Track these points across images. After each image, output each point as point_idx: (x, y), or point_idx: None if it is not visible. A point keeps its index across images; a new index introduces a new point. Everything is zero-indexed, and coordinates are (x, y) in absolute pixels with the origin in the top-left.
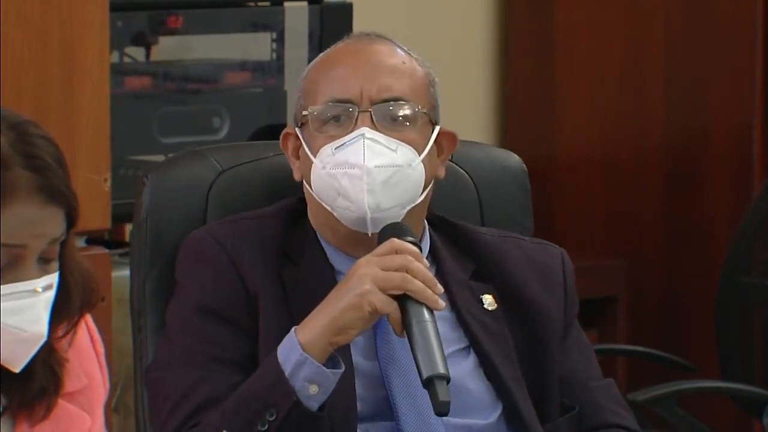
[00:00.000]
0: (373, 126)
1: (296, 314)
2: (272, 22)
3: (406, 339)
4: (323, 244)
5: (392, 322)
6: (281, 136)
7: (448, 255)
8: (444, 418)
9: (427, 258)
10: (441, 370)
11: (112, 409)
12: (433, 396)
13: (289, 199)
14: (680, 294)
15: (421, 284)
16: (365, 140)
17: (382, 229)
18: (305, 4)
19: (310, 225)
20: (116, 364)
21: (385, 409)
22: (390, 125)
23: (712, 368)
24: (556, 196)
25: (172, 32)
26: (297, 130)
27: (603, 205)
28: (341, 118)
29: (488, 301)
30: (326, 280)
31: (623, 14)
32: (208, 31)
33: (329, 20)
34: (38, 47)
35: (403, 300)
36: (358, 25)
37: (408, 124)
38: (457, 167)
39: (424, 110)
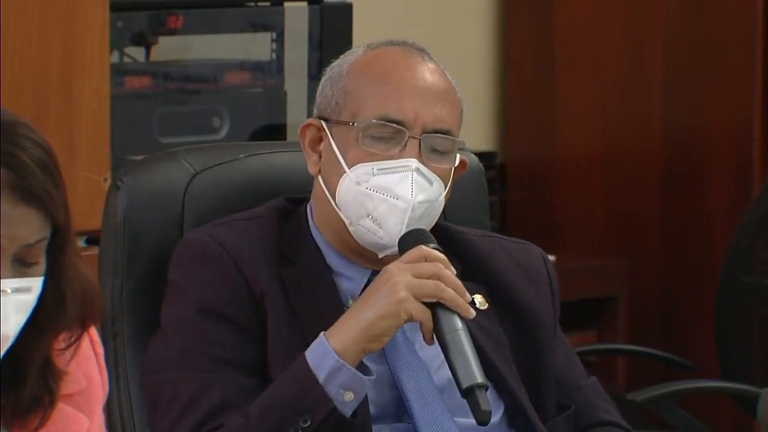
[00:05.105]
0: (419, 155)
1: (299, 314)
2: (272, 22)
3: (436, 344)
4: (320, 243)
5: (424, 330)
6: (301, 127)
7: None
8: (454, 418)
9: None
10: (479, 379)
11: None
12: (474, 406)
13: (276, 200)
14: (680, 294)
15: (453, 292)
16: (414, 174)
17: (404, 235)
18: (305, 4)
19: (305, 224)
20: None
21: (394, 411)
22: (431, 156)
23: (712, 368)
24: (556, 196)
25: (172, 32)
26: (323, 124)
27: (603, 205)
28: (388, 139)
29: (479, 300)
30: (325, 280)
31: (623, 14)
32: (208, 31)
33: (329, 20)
34: (38, 47)
35: (435, 308)
36: (358, 25)
37: (446, 156)
38: None
39: (462, 145)
